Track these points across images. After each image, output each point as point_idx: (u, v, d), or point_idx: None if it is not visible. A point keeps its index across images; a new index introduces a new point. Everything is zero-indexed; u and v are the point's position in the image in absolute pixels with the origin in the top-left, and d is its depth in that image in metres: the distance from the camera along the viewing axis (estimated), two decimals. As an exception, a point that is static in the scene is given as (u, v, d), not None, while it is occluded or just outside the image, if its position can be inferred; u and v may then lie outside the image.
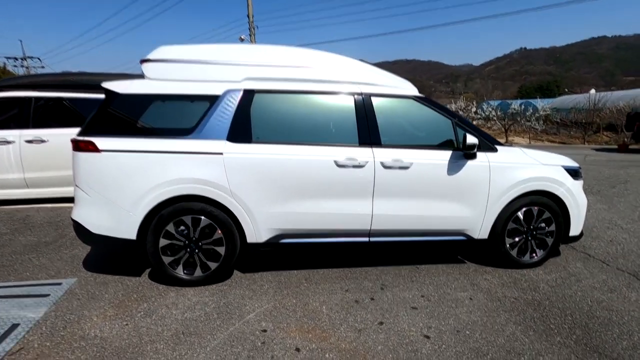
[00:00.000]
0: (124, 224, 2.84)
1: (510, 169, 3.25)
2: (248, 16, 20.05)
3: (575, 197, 3.40)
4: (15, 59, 40.34)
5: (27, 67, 40.65)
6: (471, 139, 3.05)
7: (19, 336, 2.32)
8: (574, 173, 3.48)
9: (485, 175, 3.21)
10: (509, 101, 25.74)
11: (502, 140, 19.16)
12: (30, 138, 5.19)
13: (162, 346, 2.27)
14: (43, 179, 5.32)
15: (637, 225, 4.74)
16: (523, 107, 21.55)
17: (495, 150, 3.29)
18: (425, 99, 3.31)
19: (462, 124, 3.26)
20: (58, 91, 5.42)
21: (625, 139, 15.35)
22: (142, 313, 2.63)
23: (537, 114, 20.64)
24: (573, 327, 2.51)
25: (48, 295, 2.84)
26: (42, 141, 5.21)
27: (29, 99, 5.31)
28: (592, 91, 27.08)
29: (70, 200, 5.53)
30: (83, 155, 2.83)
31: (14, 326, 2.42)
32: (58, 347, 2.24)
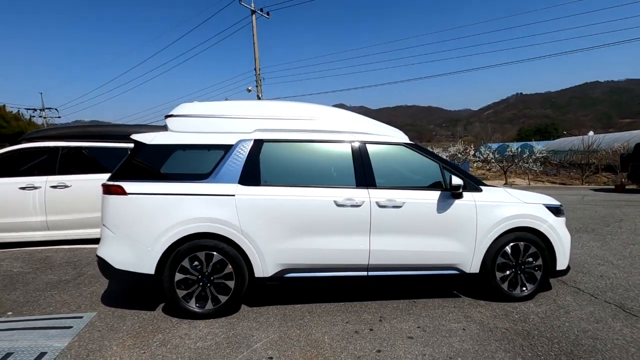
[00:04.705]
0: (144, 260, 3.15)
1: (494, 206, 3.57)
2: (255, 69, 21.53)
3: (558, 233, 3.68)
4: (34, 109, 42.69)
5: (44, 118, 42.86)
6: (456, 180, 3.41)
7: (47, 363, 2.54)
8: (555, 210, 3.78)
9: (472, 212, 3.52)
10: (508, 144, 26.59)
11: (502, 182, 19.53)
12: (55, 184, 5.63)
13: (177, 371, 2.47)
14: (63, 221, 5.68)
15: (627, 261, 4.92)
16: (520, 149, 22.17)
17: (480, 190, 3.63)
18: (414, 146, 3.73)
19: (448, 166, 3.64)
20: (80, 141, 5.98)
21: (622, 180, 15.65)
22: (157, 343, 2.84)
23: (533, 156, 21.21)
24: (559, 354, 2.69)
25: (71, 327, 3.07)
26: (66, 186, 5.65)
27: (57, 148, 5.84)
28: (591, 133, 27.82)
29: (87, 241, 5.86)
30: (112, 198, 3.21)
31: (42, 354, 2.65)
32: (83, 372, 2.44)
